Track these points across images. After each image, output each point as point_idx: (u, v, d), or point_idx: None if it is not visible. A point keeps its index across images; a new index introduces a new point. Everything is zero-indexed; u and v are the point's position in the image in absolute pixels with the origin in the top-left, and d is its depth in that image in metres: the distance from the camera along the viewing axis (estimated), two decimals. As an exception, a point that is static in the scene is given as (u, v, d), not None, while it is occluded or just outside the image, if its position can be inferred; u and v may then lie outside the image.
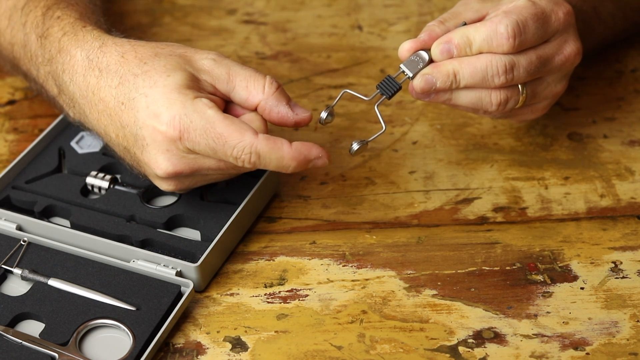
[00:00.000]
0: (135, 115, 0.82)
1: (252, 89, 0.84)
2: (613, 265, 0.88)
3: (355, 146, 0.85)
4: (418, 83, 0.86)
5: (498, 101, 0.86)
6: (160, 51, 0.84)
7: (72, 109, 0.89)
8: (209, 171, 0.84)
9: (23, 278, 0.85)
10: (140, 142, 0.82)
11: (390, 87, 0.86)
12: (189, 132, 0.80)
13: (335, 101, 0.87)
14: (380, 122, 0.85)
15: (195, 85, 0.83)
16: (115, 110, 0.83)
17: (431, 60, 0.86)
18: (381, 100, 0.86)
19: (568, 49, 0.88)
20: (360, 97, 0.87)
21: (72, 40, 0.87)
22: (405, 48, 0.87)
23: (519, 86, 0.87)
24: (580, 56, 0.89)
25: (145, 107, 0.81)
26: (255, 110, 0.85)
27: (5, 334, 0.80)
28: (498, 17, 0.84)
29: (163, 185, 0.85)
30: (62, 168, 0.96)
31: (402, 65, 0.86)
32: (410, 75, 0.86)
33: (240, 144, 0.80)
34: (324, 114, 0.86)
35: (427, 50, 0.86)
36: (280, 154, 0.81)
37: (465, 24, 0.87)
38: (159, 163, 0.82)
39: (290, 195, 0.96)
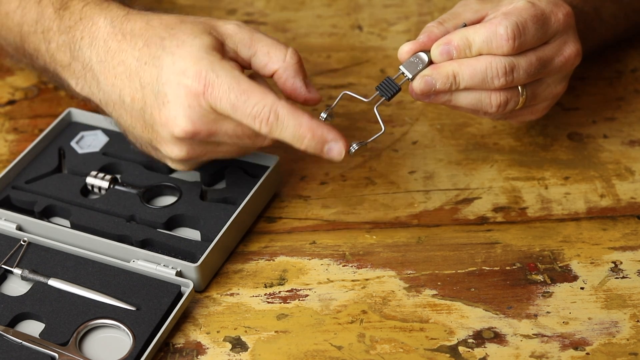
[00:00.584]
0: (158, 72, 0.82)
1: (274, 55, 0.85)
2: (613, 265, 0.88)
3: (354, 147, 0.85)
4: (417, 84, 0.86)
5: (498, 103, 0.86)
6: (185, 19, 0.85)
7: (82, 79, 0.88)
8: (224, 137, 0.83)
9: (23, 278, 0.85)
10: (161, 99, 0.82)
11: (390, 88, 0.86)
12: (213, 87, 0.80)
13: (335, 103, 0.87)
14: (379, 123, 0.85)
15: (221, 48, 0.83)
16: (136, 70, 0.83)
17: (431, 62, 0.86)
18: (380, 101, 0.86)
19: (568, 50, 0.88)
20: (359, 99, 0.87)
21: (96, 9, 0.88)
22: (405, 50, 0.87)
23: (519, 88, 0.87)
24: (580, 57, 0.89)
25: (172, 63, 0.82)
26: (271, 77, 0.85)
27: (5, 334, 0.80)
28: (497, 19, 0.84)
29: (175, 150, 0.84)
30: (62, 168, 0.96)
31: (401, 67, 0.86)
32: (410, 76, 0.86)
33: (261, 101, 0.80)
34: (323, 115, 0.86)
35: (427, 51, 0.86)
36: (299, 121, 0.80)
37: (465, 25, 0.87)
38: (178, 120, 0.81)
39: (290, 195, 0.96)
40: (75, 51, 0.88)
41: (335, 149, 0.81)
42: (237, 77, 0.80)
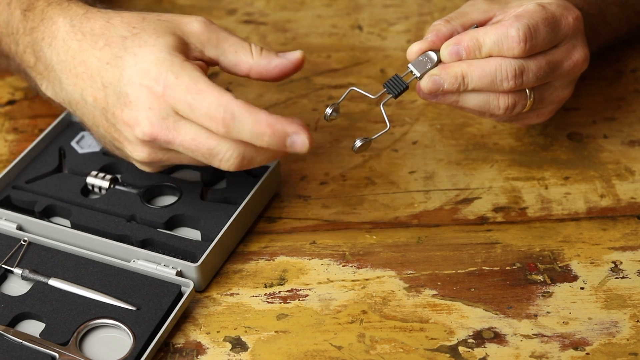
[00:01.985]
0: (120, 73, 0.81)
1: (241, 55, 0.84)
2: (613, 265, 0.88)
3: (358, 143, 0.84)
4: (425, 84, 0.85)
5: (506, 105, 0.86)
6: (147, 17, 0.84)
7: (46, 79, 0.88)
8: (180, 148, 0.81)
9: (23, 278, 0.85)
10: (123, 99, 0.81)
11: (397, 86, 0.86)
12: (173, 89, 0.79)
13: (342, 98, 0.86)
14: (385, 121, 0.85)
15: (185, 49, 0.82)
16: (98, 70, 0.83)
17: (440, 61, 0.86)
18: (387, 99, 0.86)
19: (576, 54, 0.87)
20: (366, 95, 0.86)
21: (57, 9, 0.87)
22: (414, 50, 0.86)
23: (527, 91, 0.87)
24: (587, 62, 0.89)
25: (134, 64, 0.81)
26: (246, 76, 0.85)
27: (5, 334, 0.80)
28: (509, 21, 0.84)
29: (137, 152, 0.83)
30: (63, 168, 0.96)
31: (410, 65, 0.86)
32: (418, 75, 0.86)
33: (216, 100, 0.78)
34: (329, 110, 0.85)
35: (436, 50, 0.86)
36: (256, 118, 0.78)
37: (477, 26, 0.86)
38: (139, 120, 0.80)
39: (290, 195, 0.96)
40: (37, 52, 0.88)
41: (298, 141, 0.78)
42: (196, 78, 0.79)
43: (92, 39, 0.84)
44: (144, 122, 0.80)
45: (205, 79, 0.80)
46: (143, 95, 0.80)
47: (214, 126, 0.79)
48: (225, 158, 0.80)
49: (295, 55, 0.85)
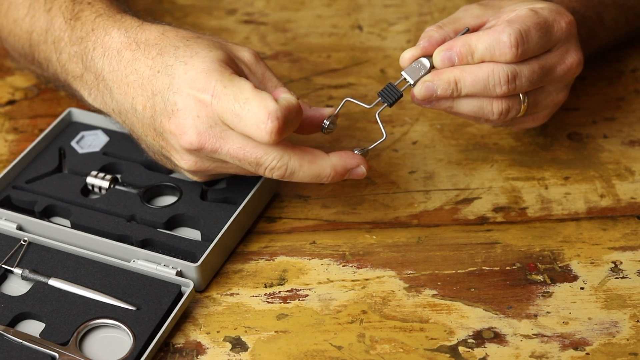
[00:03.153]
0: (170, 81, 0.82)
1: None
2: (613, 265, 0.88)
3: (356, 153, 0.85)
4: (419, 90, 0.86)
5: (500, 110, 0.86)
6: (202, 35, 0.85)
7: (95, 89, 0.88)
8: (227, 157, 0.82)
9: (23, 278, 0.85)
10: (171, 107, 0.81)
11: (392, 94, 0.86)
12: (220, 98, 0.79)
13: (337, 109, 0.87)
14: (381, 130, 0.85)
15: (234, 66, 0.83)
16: (149, 78, 0.83)
17: (432, 67, 0.86)
18: (382, 108, 0.86)
19: (570, 59, 0.88)
20: (361, 105, 0.87)
21: (109, 20, 0.87)
22: (406, 57, 0.87)
23: (521, 95, 0.87)
24: (581, 67, 0.89)
25: (183, 72, 0.81)
26: None
27: (5, 334, 0.80)
28: (501, 26, 0.84)
29: (184, 160, 0.84)
30: (63, 168, 0.96)
31: (403, 73, 0.86)
32: (412, 82, 0.86)
33: (264, 109, 0.78)
34: (326, 122, 0.86)
35: (429, 57, 0.86)
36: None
37: (468, 30, 0.86)
38: (186, 129, 0.81)
39: (290, 195, 0.96)
40: (87, 62, 0.88)
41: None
42: (244, 87, 0.79)
43: (146, 49, 0.84)
44: (190, 131, 0.81)
45: (253, 87, 0.80)
46: (191, 104, 0.81)
47: (258, 134, 0.79)
48: (270, 167, 0.81)
49: (328, 111, 0.86)
